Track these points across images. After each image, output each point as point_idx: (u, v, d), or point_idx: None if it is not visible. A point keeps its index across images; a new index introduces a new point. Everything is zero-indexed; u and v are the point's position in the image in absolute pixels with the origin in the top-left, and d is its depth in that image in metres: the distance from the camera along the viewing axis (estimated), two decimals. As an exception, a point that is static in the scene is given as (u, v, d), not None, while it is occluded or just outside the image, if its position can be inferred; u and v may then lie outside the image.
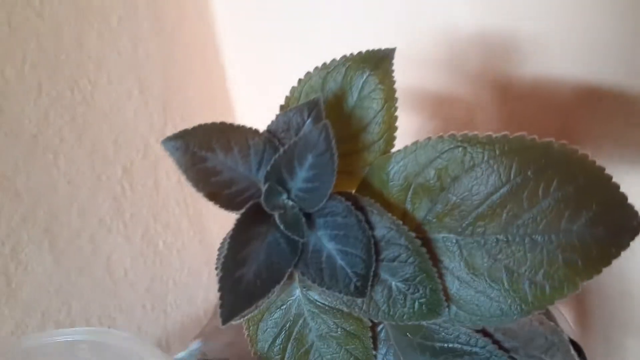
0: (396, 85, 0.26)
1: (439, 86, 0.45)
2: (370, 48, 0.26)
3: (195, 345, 0.33)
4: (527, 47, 0.38)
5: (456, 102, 0.44)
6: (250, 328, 0.29)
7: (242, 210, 0.23)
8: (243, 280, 0.22)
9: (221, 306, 0.21)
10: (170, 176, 0.56)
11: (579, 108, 0.38)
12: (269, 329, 0.29)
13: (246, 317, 0.29)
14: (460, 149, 0.23)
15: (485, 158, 0.22)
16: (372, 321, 0.28)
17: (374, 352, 0.28)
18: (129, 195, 0.54)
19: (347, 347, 0.28)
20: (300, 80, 0.28)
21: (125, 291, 0.54)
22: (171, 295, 0.59)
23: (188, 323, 0.61)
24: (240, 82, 0.59)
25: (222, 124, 0.24)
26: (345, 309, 0.26)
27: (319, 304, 0.28)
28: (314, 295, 0.28)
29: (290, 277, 0.27)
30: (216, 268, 0.24)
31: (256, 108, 0.58)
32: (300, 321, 0.29)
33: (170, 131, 0.54)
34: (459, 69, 0.43)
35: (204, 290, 0.63)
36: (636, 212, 0.21)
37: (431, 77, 0.45)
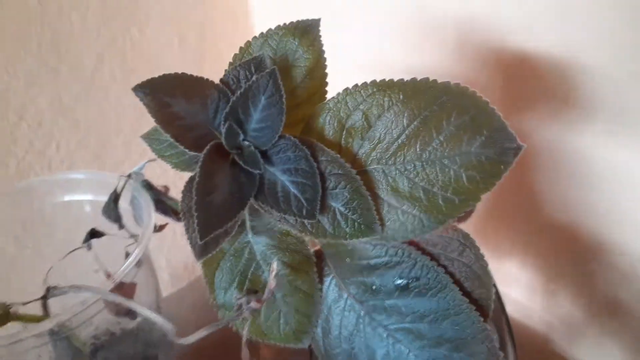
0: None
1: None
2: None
3: (142, 162, 0.39)
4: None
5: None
6: (208, 276, 0.32)
7: (207, 148, 0.26)
8: (213, 204, 0.25)
9: (198, 224, 0.24)
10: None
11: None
12: (224, 276, 0.32)
13: (203, 262, 0.32)
14: (381, 92, 0.27)
15: (401, 97, 0.27)
16: (316, 258, 0.32)
17: (319, 285, 0.31)
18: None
19: (296, 283, 0.31)
20: (241, 47, 0.32)
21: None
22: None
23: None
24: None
25: (184, 74, 0.28)
26: (297, 234, 0.29)
27: (270, 245, 0.31)
28: (264, 239, 0.31)
29: (242, 225, 0.31)
30: (183, 198, 0.28)
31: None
32: (253, 264, 0.31)
33: (205, 79, 0.61)
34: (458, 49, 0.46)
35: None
36: (515, 136, 0.25)
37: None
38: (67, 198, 0.40)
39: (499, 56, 0.44)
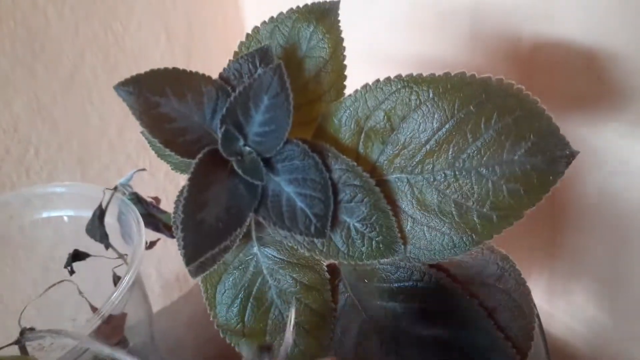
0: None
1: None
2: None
3: (130, 172, 0.35)
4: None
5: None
6: (209, 291, 0.29)
7: (199, 156, 0.23)
8: (205, 223, 0.21)
9: (184, 247, 0.21)
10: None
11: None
12: (227, 291, 0.28)
13: (203, 278, 0.29)
14: (407, 89, 0.23)
15: (431, 96, 0.23)
16: (330, 274, 0.28)
17: (333, 305, 0.28)
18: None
19: (307, 301, 0.28)
20: (247, 34, 0.28)
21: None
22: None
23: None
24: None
25: (175, 69, 0.24)
26: (306, 253, 0.25)
27: (277, 259, 0.28)
28: (272, 251, 0.28)
29: (247, 236, 0.28)
30: (174, 213, 0.24)
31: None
32: (259, 279, 0.28)
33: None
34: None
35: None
36: (568, 142, 0.21)
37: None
38: (45, 214, 0.36)
39: (517, 46, 0.40)
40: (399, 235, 0.24)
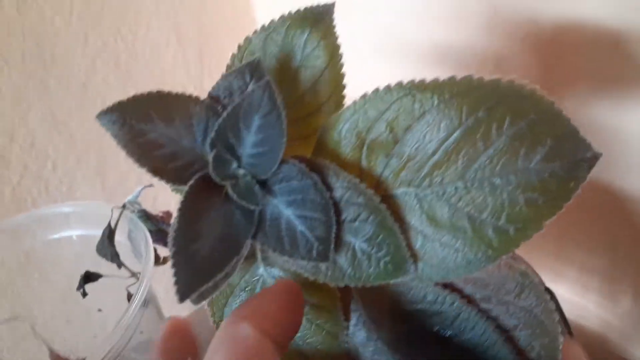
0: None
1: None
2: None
3: (137, 190, 0.34)
4: None
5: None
6: (216, 315, 0.28)
7: (190, 183, 0.22)
8: (198, 255, 0.20)
9: (176, 282, 0.19)
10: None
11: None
12: None
13: (209, 301, 0.28)
14: (409, 97, 0.21)
15: (435, 103, 0.21)
16: (341, 291, 0.26)
17: (345, 323, 0.26)
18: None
19: (317, 321, 0.26)
20: (239, 46, 0.26)
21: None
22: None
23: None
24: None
25: (160, 92, 0.23)
26: (310, 277, 0.24)
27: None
28: (278, 272, 0.26)
29: (253, 256, 0.26)
30: (168, 244, 0.22)
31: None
32: None
33: (207, 78, 0.56)
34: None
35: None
36: (589, 144, 0.19)
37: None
38: (57, 235, 0.35)
39: (537, 30, 0.37)
40: (409, 253, 0.22)
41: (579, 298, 0.47)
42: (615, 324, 0.45)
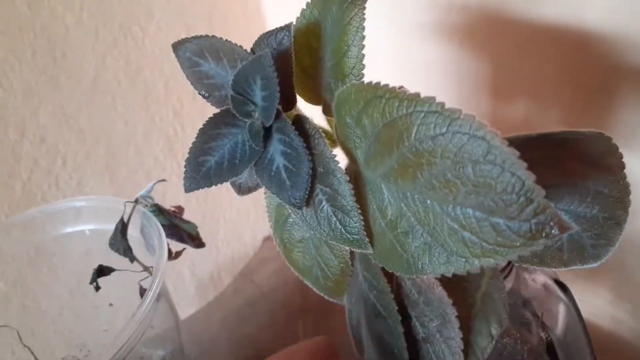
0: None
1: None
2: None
3: (150, 184, 0.35)
4: None
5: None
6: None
7: (216, 112, 0.26)
8: (205, 165, 0.26)
9: (184, 179, 0.26)
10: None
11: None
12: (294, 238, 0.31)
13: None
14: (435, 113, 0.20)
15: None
16: None
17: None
18: (180, 137, 0.57)
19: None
20: (303, 9, 0.29)
21: (180, 226, 0.58)
22: (222, 232, 0.63)
23: (237, 258, 0.64)
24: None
25: (214, 37, 0.28)
26: (299, 221, 0.27)
27: None
28: None
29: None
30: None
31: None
32: None
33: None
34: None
35: (251, 229, 0.66)
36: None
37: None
38: (68, 229, 0.36)
39: (551, 35, 0.37)
40: (366, 233, 0.24)
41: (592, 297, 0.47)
42: (625, 320, 0.45)
